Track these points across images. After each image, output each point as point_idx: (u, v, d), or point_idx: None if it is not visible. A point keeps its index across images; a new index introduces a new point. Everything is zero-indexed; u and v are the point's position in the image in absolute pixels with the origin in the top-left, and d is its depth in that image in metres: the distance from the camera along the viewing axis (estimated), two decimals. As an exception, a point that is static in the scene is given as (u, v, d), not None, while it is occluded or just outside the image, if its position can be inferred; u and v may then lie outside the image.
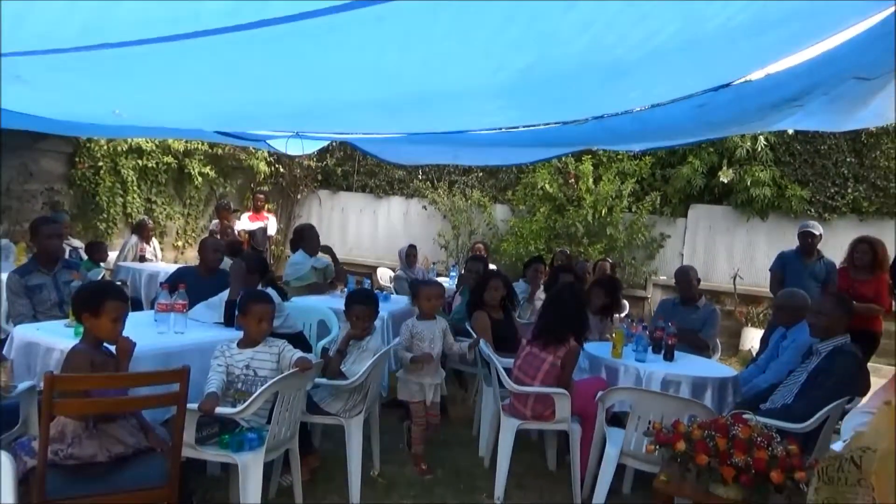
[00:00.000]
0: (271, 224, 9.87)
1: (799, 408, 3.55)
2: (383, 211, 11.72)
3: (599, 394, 3.62)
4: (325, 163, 11.77)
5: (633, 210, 9.69)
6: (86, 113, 4.66)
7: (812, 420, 3.42)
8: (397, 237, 10.90)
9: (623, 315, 6.37)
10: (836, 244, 7.00)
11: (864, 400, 3.28)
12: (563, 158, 10.05)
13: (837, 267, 5.81)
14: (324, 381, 3.56)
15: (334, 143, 11.55)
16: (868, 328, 5.24)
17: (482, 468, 4.22)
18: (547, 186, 9.89)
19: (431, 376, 4.08)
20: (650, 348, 4.46)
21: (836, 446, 2.37)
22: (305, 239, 6.30)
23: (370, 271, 9.14)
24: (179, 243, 10.64)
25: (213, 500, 3.46)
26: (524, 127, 4.95)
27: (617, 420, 3.95)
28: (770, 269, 6.15)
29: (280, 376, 3.02)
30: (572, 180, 9.95)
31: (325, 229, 11.64)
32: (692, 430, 2.92)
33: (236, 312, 3.46)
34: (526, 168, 10.46)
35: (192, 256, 10.14)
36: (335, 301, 5.18)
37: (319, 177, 11.96)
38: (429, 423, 4.19)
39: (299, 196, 12.08)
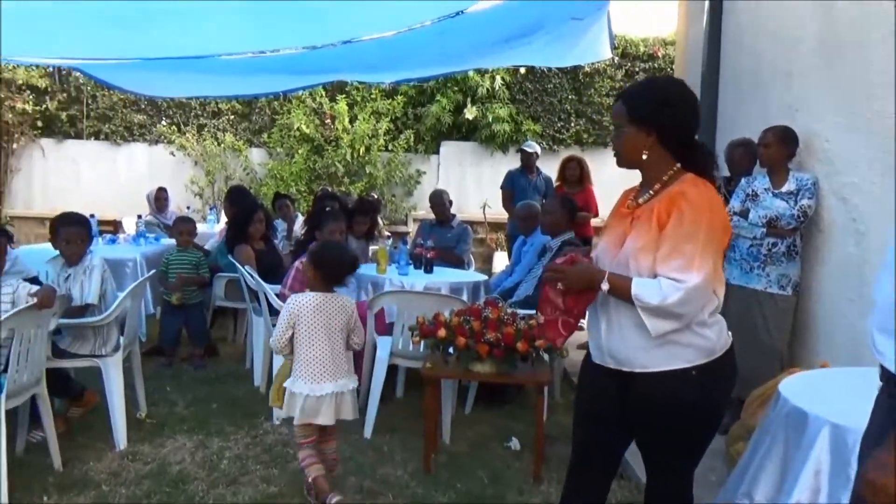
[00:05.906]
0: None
1: (538, 296, 4.08)
2: (123, 159, 10.59)
3: (367, 300, 3.79)
4: (44, 106, 10.25)
5: (390, 148, 10.02)
6: None
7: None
8: (144, 187, 9.97)
9: (387, 237, 6.67)
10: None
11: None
12: (318, 99, 9.98)
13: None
14: (63, 321, 3.21)
15: (55, 85, 10.15)
16: (584, 234, 6.11)
17: (259, 395, 4.20)
18: (303, 127, 9.78)
19: (333, 376, 2.78)
20: (412, 265, 4.75)
21: None
22: None
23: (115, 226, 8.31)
24: None
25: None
26: (272, 52, 4.88)
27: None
28: (501, 187, 6.84)
29: (14, 310, 2.69)
30: (329, 120, 9.96)
31: (54, 183, 10.27)
32: (452, 318, 3.23)
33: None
34: (280, 110, 10.19)
35: None
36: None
37: (39, 123, 10.39)
38: (326, 461, 2.86)
39: (15, 146, 10.40)
